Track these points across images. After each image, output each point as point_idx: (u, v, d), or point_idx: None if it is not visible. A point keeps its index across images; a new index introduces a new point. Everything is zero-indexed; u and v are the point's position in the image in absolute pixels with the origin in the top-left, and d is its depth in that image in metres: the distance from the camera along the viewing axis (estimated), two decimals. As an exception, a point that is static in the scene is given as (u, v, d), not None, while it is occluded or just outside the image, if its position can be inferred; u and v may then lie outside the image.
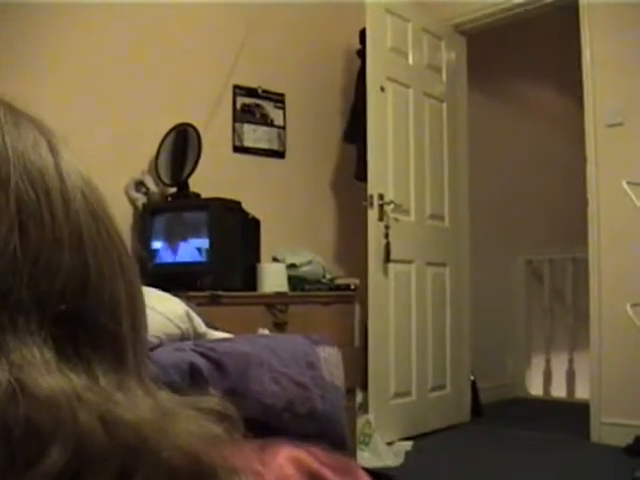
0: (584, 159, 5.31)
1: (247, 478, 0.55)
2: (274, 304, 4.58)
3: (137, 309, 0.63)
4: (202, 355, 2.47)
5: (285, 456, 0.61)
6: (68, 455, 0.48)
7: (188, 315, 2.77)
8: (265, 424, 2.55)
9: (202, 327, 2.86)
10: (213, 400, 0.63)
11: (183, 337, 2.73)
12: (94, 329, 0.57)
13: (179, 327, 2.71)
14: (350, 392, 3.39)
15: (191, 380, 2.39)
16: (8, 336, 0.52)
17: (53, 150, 0.61)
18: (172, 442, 0.52)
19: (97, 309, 0.58)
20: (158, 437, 0.52)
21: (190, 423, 0.55)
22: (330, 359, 2.84)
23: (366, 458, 4.34)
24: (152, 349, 2.52)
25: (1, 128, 0.59)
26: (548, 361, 7.01)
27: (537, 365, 7.18)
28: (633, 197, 4.93)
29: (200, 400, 0.62)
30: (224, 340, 2.82)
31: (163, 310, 2.68)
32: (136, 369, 0.60)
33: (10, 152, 0.57)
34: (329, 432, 2.71)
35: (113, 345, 0.58)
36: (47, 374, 0.51)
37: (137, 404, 0.54)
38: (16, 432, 0.48)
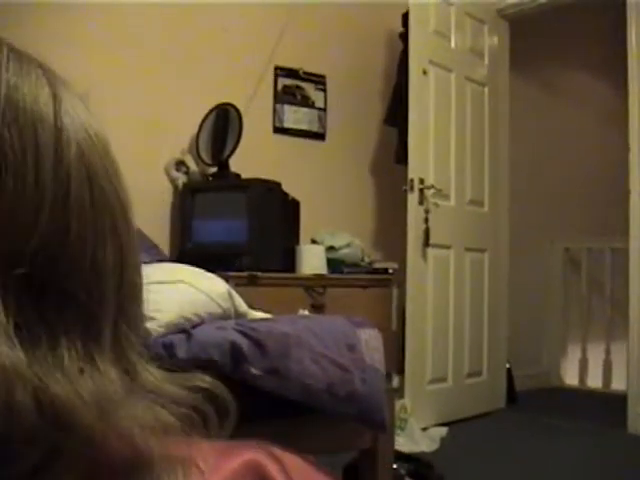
0: (627, 149, 5.24)
1: (185, 473, 0.52)
2: (312, 286, 4.58)
3: (126, 280, 0.58)
4: (243, 334, 2.48)
5: (242, 460, 0.56)
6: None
7: (230, 294, 2.78)
8: (306, 405, 2.56)
9: (243, 306, 2.86)
10: (203, 379, 0.61)
11: (224, 316, 2.73)
12: (66, 298, 0.53)
13: (221, 306, 2.71)
14: (387, 376, 3.36)
15: (232, 359, 2.40)
16: None
17: (56, 99, 0.57)
18: (110, 426, 0.50)
19: (72, 277, 0.54)
20: (94, 420, 0.49)
21: (141, 410, 0.53)
22: (370, 341, 2.83)
23: (401, 443, 4.33)
24: (194, 327, 2.52)
25: None
26: (584, 350, 6.95)
27: (573, 354, 7.12)
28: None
29: (190, 378, 0.60)
30: (265, 320, 2.82)
31: (205, 289, 2.68)
32: (114, 345, 0.56)
33: (2, 97, 0.53)
34: (368, 415, 2.71)
35: (87, 317, 0.54)
36: None
37: (87, 384, 0.51)
38: None
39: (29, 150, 0.53)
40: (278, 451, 0.59)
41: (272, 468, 0.56)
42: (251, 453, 0.57)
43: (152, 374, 0.59)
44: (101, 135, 0.60)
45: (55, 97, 0.57)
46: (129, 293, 0.59)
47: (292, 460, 0.59)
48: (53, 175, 0.53)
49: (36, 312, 0.51)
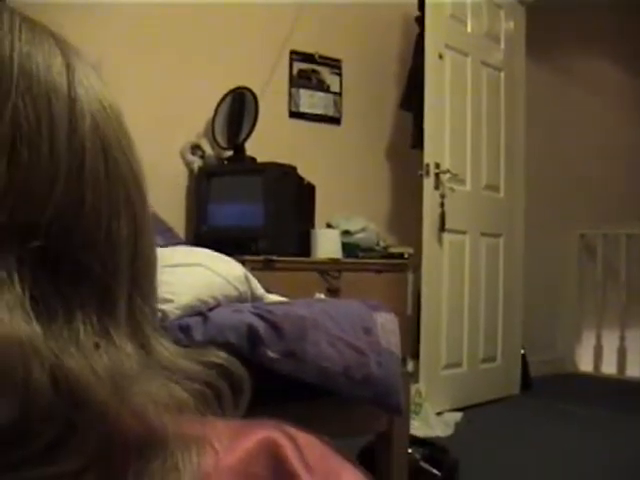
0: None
1: (199, 452, 0.52)
2: (327, 270, 4.58)
3: (139, 252, 0.58)
4: (260, 317, 2.48)
5: (257, 439, 0.55)
6: (14, 410, 0.45)
7: (246, 277, 2.78)
8: (322, 388, 2.56)
9: (260, 290, 2.86)
10: (218, 354, 0.61)
11: (241, 299, 2.73)
12: (81, 270, 0.53)
13: (237, 289, 2.71)
14: (402, 361, 3.37)
15: (249, 342, 2.40)
16: None
17: (69, 68, 0.57)
18: (124, 402, 0.50)
19: (87, 249, 0.53)
20: (108, 396, 0.49)
21: (156, 386, 0.53)
22: (386, 325, 2.83)
23: (416, 427, 4.32)
24: (210, 309, 2.52)
25: (11, 36, 0.54)
26: (599, 337, 6.93)
27: (587, 341, 7.11)
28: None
29: (204, 353, 0.60)
30: (282, 303, 2.82)
31: (222, 272, 2.68)
32: (129, 318, 0.56)
33: (16, 66, 0.53)
34: (384, 398, 2.71)
35: (102, 290, 0.54)
36: (9, 318, 0.47)
37: (101, 359, 0.50)
38: None
39: (43, 120, 0.52)
40: (293, 430, 0.58)
41: (286, 447, 0.55)
42: (265, 432, 0.56)
43: (167, 349, 0.59)
44: (115, 106, 0.61)
45: (68, 67, 0.57)
46: (143, 265, 0.59)
47: (306, 439, 0.58)
48: (67, 146, 0.53)
49: (52, 285, 0.50)
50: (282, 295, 3.09)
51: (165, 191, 4.75)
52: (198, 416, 0.54)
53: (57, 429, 0.46)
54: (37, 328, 0.48)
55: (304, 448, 0.56)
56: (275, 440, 0.55)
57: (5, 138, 0.50)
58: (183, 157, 4.90)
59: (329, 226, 5.05)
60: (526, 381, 6.10)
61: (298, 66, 5.52)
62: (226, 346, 2.35)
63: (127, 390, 0.50)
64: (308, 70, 5.58)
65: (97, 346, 0.51)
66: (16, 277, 0.48)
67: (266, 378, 2.46)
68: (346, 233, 4.96)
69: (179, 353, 0.59)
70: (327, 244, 4.70)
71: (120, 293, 0.55)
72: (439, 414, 4.90)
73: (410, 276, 5.09)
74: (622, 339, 6.69)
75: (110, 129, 0.58)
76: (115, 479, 0.48)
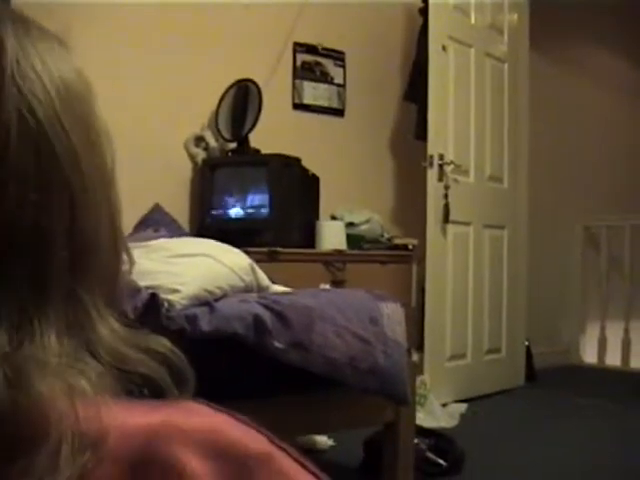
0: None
1: (89, 443, 0.50)
2: (332, 262, 4.58)
3: (79, 238, 0.56)
4: (266, 307, 2.48)
5: (156, 418, 0.53)
6: None
7: (252, 268, 2.78)
8: (328, 379, 2.56)
9: (265, 280, 2.86)
10: (163, 344, 0.60)
11: (247, 289, 2.74)
12: (5, 261, 0.51)
13: (243, 279, 2.72)
14: (407, 351, 3.37)
15: (255, 332, 2.40)
16: None
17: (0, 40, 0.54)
18: (20, 394, 0.49)
19: (12, 239, 0.52)
20: (2, 389, 0.48)
21: (69, 373, 0.52)
22: (393, 315, 2.83)
23: (421, 418, 4.32)
24: (217, 300, 2.52)
25: None
26: (603, 329, 6.92)
27: (592, 332, 7.11)
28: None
29: (150, 340, 0.59)
30: (288, 293, 2.82)
31: (228, 262, 2.68)
32: (67, 307, 0.54)
33: None
34: (390, 388, 2.71)
35: (30, 281, 0.52)
36: None
37: (7, 353, 0.50)
38: None
39: None
40: (218, 414, 0.57)
41: (177, 432, 0.53)
42: (167, 411, 0.54)
43: (113, 335, 0.57)
44: (66, 83, 0.57)
45: (1, 40, 0.54)
46: (84, 251, 0.57)
47: (237, 432, 0.56)
48: None
49: None
50: (287, 287, 3.09)
51: (169, 183, 4.76)
52: (96, 401, 0.52)
53: None
54: None
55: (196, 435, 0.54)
56: (175, 420, 0.54)
57: None
58: (187, 149, 4.90)
59: (333, 218, 5.05)
60: (530, 372, 6.10)
61: (302, 58, 5.51)
62: (233, 336, 2.35)
63: (25, 383, 0.49)
64: (312, 62, 5.57)
65: (10, 341, 0.50)
66: None
67: (272, 369, 2.46)
68: (350, 225, 4.96)
69: (124, 340, 0.58)
70: (332, 236, 4.70)
71: (52, 285, 0.54)
72: (444, 405, 4.90)
73: (414, 268, 5.09)
74: (626, 331, 6.69)
75: (49, 110, 0.55)
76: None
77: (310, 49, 5.55)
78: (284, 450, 0.55)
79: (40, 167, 0.53)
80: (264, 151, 4.79)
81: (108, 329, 0.57)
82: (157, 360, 0.58)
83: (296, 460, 0.55)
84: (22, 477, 0.47)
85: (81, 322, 0.55)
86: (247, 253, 2.96)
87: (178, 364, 0.60)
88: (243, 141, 4.81)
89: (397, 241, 5.15)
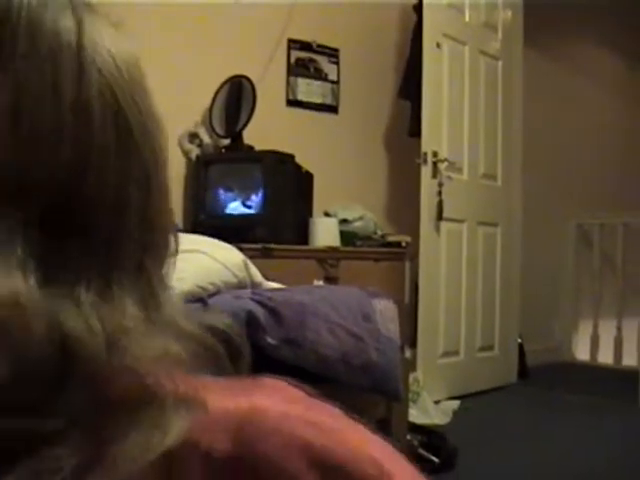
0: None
1: (189, 409, 0.52)
2: (325, 259, 4.57)
3: (151, 215, 0.59)
4: (260, 303, 2.48)
5: (248, 404, 0.54)
6: (4, 368, 0.46)
7: (245, 264, 2.78)
8: (321, 375, 2.56)
9: (258, 277, 2.86)
10: (224, 321, 0.62)
11: (240, 286, 2.74)
12: (86, 233, 0.53)
13: (236, 276, 2.72)
14: (400, 348, 3.37)
15: (248, 328, 2.40)
16: None
17: (80, 30, 0.56)
18: (118, 358, 0.50)
19: (93, 211, 0.54)
20: (101, 352, 0.49)
21: (153, 344, 0.53)
22: (386, 312, 2.83)
23: (414, 415, 4.33)
24: (210, 296, 2.53)
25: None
26: (596, 326, 6.93)
27: (584, 330, 7.12)
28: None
29: (208, 316, 0.62)
30: (281, 290, 2.82)
31: (221, 258, 2.69)
32: (137, 275, 0.56)
33: (23, 24, 0.52)
34: (383, 384, 2.72)
35: (107, 252, 0.54)
36: (7, 278, 0.48)
37: (101, 318, 0.51)
38: None
39: (49, 77, 0.52)
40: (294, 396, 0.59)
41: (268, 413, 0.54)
42: (256, 399, 0.55)
43: (174, 310, 0.59)
44: (132, 64, 0.60)
45: (79, 24, 0.56)
46: (154, 228, 0.59)
47: (313, 409, 0.58)
48: (73, 109, 0.53)
49: (55, 246, 0.51)
50: (280, 283, 3.09)
51: (163, 179, 4.75)
52: (193, 374, 0.54)
53: (45, 387, 0.47)
54: (34, 288, 0.48)
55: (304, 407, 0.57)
56: (258, 408, 0.54)
57: (10, 94, 0.50)
58: (181, 146, 4.89)
59: (327, 214, 5.05)
60: (523, 370, 6.11)
61: (296, 54, 5.51)
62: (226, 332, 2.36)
63: (121, 346, 0.50)
64: (306, 59, 5.56)
65: (97, 305, 0.51)
66: (19, 239, 0.49)
67: (265, 365, 2.46)
68: (344, 222, 4.96)
69: (184, 315, 0.59)
70: (325, 232, 4.70)
71: (127, 255, 0.56)
72: (437, 402, 4.91)
73: (408, 265, 5.10)
74: (619, 328, 6.70)
75: (123, 90, 0.57)
76: (101, 436, 0.48)
77: (304, 46, 5.55)
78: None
79: (120, 142, 0.55)
80: (258, 147, 4.79)
81: (170, 304, 0.59)
82: (216, 336, 0.59)
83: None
84: (124, 438, 0.49)
85: (149, 294, 0.57)
86: (241, 249, 2.97)
87: (236, 340, 0.62)
88: (237, 137, 4.80)
89: (390, 238, 5.15)
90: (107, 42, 0.57)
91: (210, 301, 2.45)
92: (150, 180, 0.59)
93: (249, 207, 4.52)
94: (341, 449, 0.55)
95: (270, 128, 5.08)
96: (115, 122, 0.55)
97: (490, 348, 5.76)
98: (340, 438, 0.56)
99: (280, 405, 0.56)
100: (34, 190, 0.50)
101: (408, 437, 3.26)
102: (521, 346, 6.14)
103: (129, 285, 0.55)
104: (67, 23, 0.55)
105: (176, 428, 0.50)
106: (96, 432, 0.48)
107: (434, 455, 3.61)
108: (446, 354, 5.33)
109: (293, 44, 5.49)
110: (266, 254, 4.21)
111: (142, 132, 0.58)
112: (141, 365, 0.51)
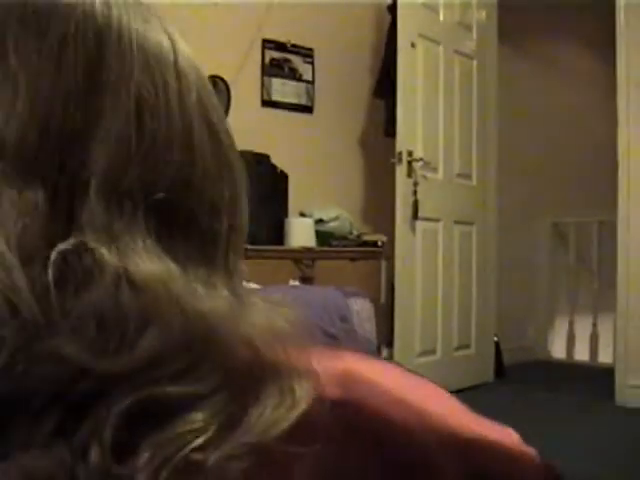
0: (615, 122, 5.24)
1: (306, 377, 0.57)
2: (301, 259, 4.57)
3: (237, 211, 0.64)
4: (235, 304, 2.46)
5: (342, 367, 0.62)
6: (155, 342, 0.51)
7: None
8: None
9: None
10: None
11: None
12: (191, 225, 0.59)
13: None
14: (377, 348, 3.38)
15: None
16: (116, 223, 0.55)
17: (173, 44, 0.64)
18: (239, 334, 0.55)
19: (197, 206, 0.60)
20: (226, 329, 0.54)
21: (261, 317, 0.58)
22: (362, 312, 2.83)
23: (390, 415, 4.33)
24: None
25: (127, 16, 0.62)
26: (571, 324, 6.97)
27: (560, 328, 7.15)
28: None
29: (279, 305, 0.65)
30: (256, 290, 2.81)
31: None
32: (226, 268, 0.62)
33: (135, 45, 0.60)
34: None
35: (207, 242, 0.60)
36: (148, 261, 0.54)
37: (215, 298, 0.56)
38: (114, 316, 0.51)
39: (160, 92, 0.59)
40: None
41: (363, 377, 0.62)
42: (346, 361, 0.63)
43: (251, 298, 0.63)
44: (205, 76, 0.67)
45: (172, 42, 0.65)
46: (238, 227, 0.65)
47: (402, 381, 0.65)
48: (180, 114, 0.60)
49: (166, 237, 0.57)
50: (256, 284, 3.08)
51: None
52: (296, 344, 0.59)
53: (189, 357, 0.52)
54: (174, 269, 0.55)
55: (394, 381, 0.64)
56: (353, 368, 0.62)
57: (132, 108, 0.57)
58: (155, 147, 4.87)
59: (302, 215, 5.05)
60: (500, 368, 6.13)
61: (270, 55, 5.50)
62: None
63: (240, 322, 0.56)
64: (280, 59, 5.56)
65: (209, 291, 0.57)
66: (143, 229, 0.55)
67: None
68: (319, 222, 4.96)
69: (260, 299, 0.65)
70: (301, 233, 4.70)
71: (220, 246, 0.61)
72: (413, 402, 4.91)
73: (384, 264, 5.10)
74: (594, 325, 6.73)
75: (207, 99, 0.64)
76: (240, 400, 0.53)
77: (279, 46, 5.54)
78: None
79: (213, 145, 0.62)
80: (233, 148, 4.77)
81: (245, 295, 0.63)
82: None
83: None
84: (261, 403, 0.54)
85: (234, 289, 0.61)
86: (215, 250, 2.94)
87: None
88: (212, 138, 4.79)
89: (366, 238, 5.16)
90: (189, 56, 0.66)
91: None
92: (237, 179, 0.65)
93: (224, 208, 4.51)
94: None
95: (245, 128, 5.05)
96: (207, 125, 0.62)
97: (467, 347, 5.77)
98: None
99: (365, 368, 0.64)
100: (154, 185, 0.56)
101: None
102: (497, 344, 6.16)
103: (220, 280, 0.60)
104: (165, 42, 0.64)
105: (304, 392, 0.56)
106: (234, 398, 0.53)
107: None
108: (423, 353, 5.33)
109: (268, 44, 5.48)
110: (242, 255, 4.20)
111: (227, 136, 0.65)
112: (256, 339, 0.56)
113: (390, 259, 5.16)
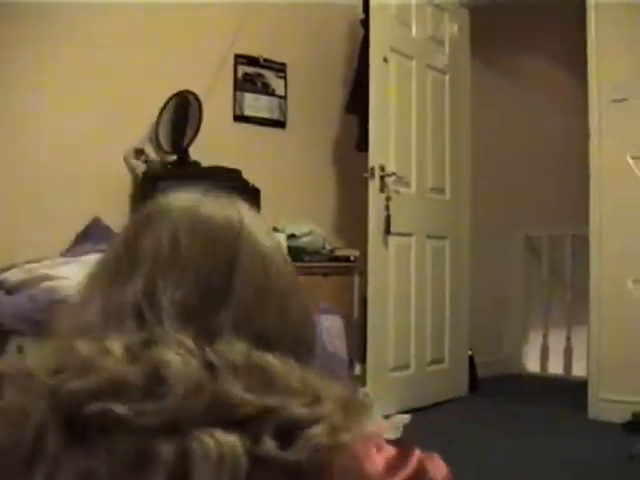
0: (587, 136, 5.26)
1: (377, 443, 0.84)
2: (273, 274, 4.55)
3: (303, 330, 0.98)
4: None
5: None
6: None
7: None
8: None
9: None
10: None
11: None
12: (293, 346, 0.92)
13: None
14: (349, 364, 3.37)
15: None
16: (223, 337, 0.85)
17: (242, 225, 0.99)
18: (321, 408, 0.81)
19: (265, 321, 0.91)
20: (309, 410, 0.80)
21: (334, 393, 0.85)
22: (332, 329, 2.82)
23: (364, 430, 4.31)
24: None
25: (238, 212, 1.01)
26: (545, 337, 6.98)
27: (534, 341, 7.15)
28: (637, 172, 4.90)
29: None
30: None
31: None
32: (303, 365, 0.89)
33: (259, 255, 0.95)
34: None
35: (290, 352, 0.89)
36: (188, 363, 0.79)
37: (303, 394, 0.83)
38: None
39: (259, 268, 0.94)
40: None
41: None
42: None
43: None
44: (274, 251, 0.97)
45: (241, 222, 0.97)
46: (305, 342, 0.98)
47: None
48: (276, 280, 0.95)
49: (242, 346, 0.85)
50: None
51: (110, 196, 4.71)
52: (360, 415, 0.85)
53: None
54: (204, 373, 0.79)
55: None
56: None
57: (252, 292, 0.91)
58: (127, 162, 4.85)
59: (275, 230, 5.03)
60: (474, 382, 6.13)
61: (243, 69, 5.50)
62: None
63: (321, 399, 0.82)
64: (253, 73, 5.56)
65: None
66: (198, 342, 0.83)
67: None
68: (292, 237, 4.95)
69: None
70: (273, 248, 4.68)
71: (298, 353, 0.91)
72: (387, 417, 4.89)
73: (356, 279, 5.10)
74: (568, 339, 6.75)
75: (271, 269, 0.95)
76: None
77: (251, 61, 5.54)
78: None
79: (270, 289, 0.95)
80: (205, 163, 4.77)
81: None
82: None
83: None
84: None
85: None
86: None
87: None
88: (183, 154, 4.78)
89: (339, 253, 5.16)
90: (259, 237, 0.98)
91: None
92: (288, 302, 0.96)
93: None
94: None
95: (217, 143, 5.06)
96: (262, 293, 0.93)
97: (440, 361, 5.76)
98: None
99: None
100: (244, 323, 0.89)
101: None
102: (471, 358, 6.16)
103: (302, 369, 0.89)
104: (234, 221, 0.98)
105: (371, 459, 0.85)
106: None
107: (384, 470, 3.59)
108: (396, 368, 5.32)
109: (240, 59, 5.49)
110: (213, 270, 4.18)
111: (285, 283, 0.97)
112: (335, 414, 0.82)
113: (363, 274, 5.16)
